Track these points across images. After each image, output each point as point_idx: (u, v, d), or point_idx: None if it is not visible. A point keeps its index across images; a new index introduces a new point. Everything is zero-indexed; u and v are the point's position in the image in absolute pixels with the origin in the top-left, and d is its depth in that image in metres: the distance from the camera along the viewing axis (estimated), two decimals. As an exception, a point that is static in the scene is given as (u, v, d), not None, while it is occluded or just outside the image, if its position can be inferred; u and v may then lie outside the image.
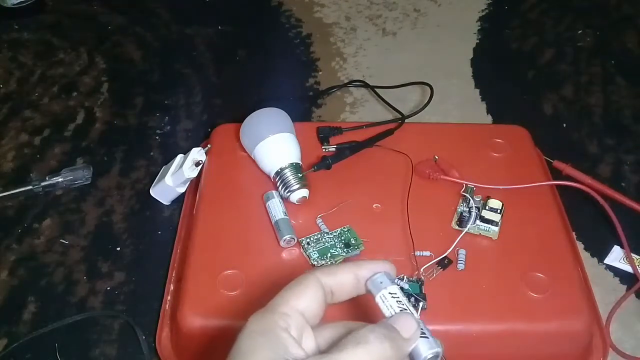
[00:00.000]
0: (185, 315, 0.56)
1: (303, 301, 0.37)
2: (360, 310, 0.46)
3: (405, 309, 0.38)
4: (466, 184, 0.65)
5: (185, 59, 0.95)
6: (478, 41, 0.98)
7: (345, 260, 0.59)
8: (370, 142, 0.71)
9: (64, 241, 0.69)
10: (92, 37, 0.99)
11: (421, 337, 0.38)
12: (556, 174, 0.73)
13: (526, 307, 0.56)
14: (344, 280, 0.39)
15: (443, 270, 0.59)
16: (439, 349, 0.37)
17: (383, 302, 0.39)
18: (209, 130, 0.77)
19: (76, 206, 0.73)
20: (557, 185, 0.70)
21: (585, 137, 0.82)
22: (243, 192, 0.67)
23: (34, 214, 0.72)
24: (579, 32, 1.00)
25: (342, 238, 0.61)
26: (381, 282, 0.39)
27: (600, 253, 0.68)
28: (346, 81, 0.90)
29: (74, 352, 0.60)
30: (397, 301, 0.39)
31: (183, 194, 0.72)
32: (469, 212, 0.62)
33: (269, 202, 0.64)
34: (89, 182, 0.76)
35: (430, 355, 0.37)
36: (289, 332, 0.36)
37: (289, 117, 0.69)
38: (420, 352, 0.37)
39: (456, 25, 1.02)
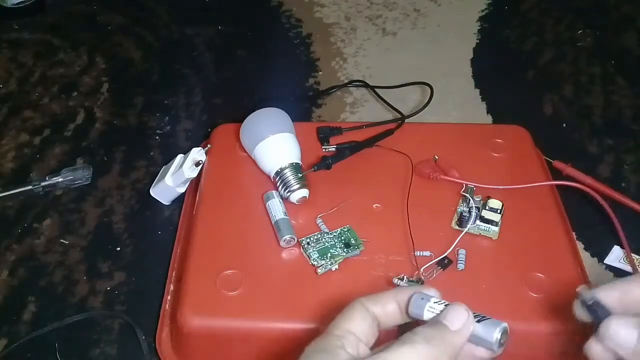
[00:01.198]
0: (185, 315, 0.56)
1: (353, 323, 0.39)
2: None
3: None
4: (466, 184, 0.65)
5: (185, 59, 0.95)
6: (478, 41, 0.98)
7: (346, 260, 0.59)
8: (370, 142, 0.71)
9: (64, 241, 0.69)
10: (92, 37, 0.99)
11: (481, 320, 0.37)
12: (556, 174, 0.73)
13: (526, 307, 0.56)
14: (388, 308, 0.41)
15: (443, 270, 0.59)
16: (504, 324, 0.37)
17: (433, 312, 0.39)
18: (209, 130, 0.77)
19: (76, 206, 0.73)
20: (557, 185, 0.70)
21: (585, 137, 0.82)
22: (243, 192, 0.67)
23: (34, 214, 0.72)
24: (579, 32, 1.00)
25: (342, 238, 0.61)
26: (422, 299, 0.39)
27: (600, 253, 0.68)
28: (346, 81, 0.90)
29: (74, 352, 0.60)
30: (445, 304, 0.39)
31: (183, 194, 0.72)
32: (469, 212, 0.62)
33: (269, 202, 0.64)
34: (89, 182, 0.76)
35: (500, 334, 0.36)
36: (344, 349, 0.38)
37: (289, 117, 0.69)
38: (488, 335, 0.37)
39: (456, 25, 1.02)
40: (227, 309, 0.56)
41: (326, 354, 0.38)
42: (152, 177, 0.75)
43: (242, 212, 0.65)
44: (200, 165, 0.69)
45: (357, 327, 0.39)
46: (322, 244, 0.60)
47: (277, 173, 0.65)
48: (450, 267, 0.59)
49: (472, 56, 0.95)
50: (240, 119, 0.70)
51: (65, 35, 0.99)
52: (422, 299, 0.39)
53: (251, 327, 0.56)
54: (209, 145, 0.71)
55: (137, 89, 0.90)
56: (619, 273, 0.66)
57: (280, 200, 0.64)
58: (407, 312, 0.40)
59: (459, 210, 0.64)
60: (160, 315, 0.62)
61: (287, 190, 0.64)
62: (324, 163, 0.67)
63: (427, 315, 0.39)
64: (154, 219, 0.72)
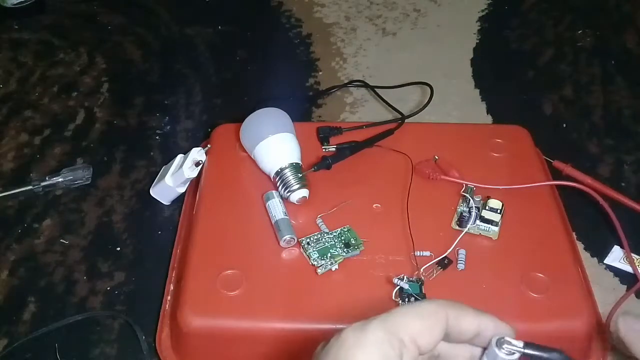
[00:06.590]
0: (185, 315, 0.56)
1: (425, 338, 0.34)
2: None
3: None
4: (466, 184, 0.65)
5: (185, 59, 0.95)
6: (478, 41, 0.98)
7: (346, 260, 0.59)
8: (370, 142, 0.71)
9: (64, 241, 0.69)
10: (92, 37, 0.99)
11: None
12: (556, 174, 0.73)
13: (526, 307, 0.56)
14: (466, 329, 0.36)
15: (443, 270, 0.59)
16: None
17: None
18: (209, 130, 0.77)
19: (76, 206, 0.73)
20: (557, 185, 0.70)
21: (585, 137, 0.82)
22: (243, 192, 0.67)
23: (34, 214, 0.72)
24: (579, 32, 1.00)
25: (342, 238, 0.61)
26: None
27: (600, 253, 0.68)
28: (346, 81, 0.90)
29: (74, 352, 0.60)
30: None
31: (183, 194, 0.72)
32: (469, 212, 0.62)
33: (269, 202, 0.64)
34: (89, 182, 0.76)
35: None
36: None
37: (289, 117, 0.69)
38: None
39: (456, 25, 1.02)
40: (227, 309, 0.56)
41: None
42: (152, 177, 0.75)
43: (242, 212, 0.65)
44: (200, 165, 0.69)
45: (427, 344, 0.34)
46: (322, 244, 0.60)
47: (277, 173, 0.65)
48: (450, 267, 0.59)
49: (472, 56, 0.95)
50: (240, 119, 0.70)
51: (65, 35, 0.99)
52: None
53: (251, 327, 0.56)
54: (209, 145, 0.71)
55: (137, 89, 0.90)
56: (619, 273, 0.66)
57: (280, 200, 0.64)
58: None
59: (459, 210, 0.64)
60: (160, 315, 0.62)
61: (287, 190, 0.64)
62: (324, 163, 0.67)
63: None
64: (154, 219, 0.72)
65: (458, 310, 0.36)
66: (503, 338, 0.36)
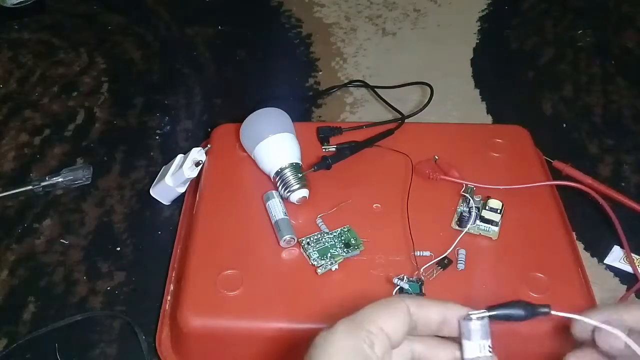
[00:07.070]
0: (185, 315, 0.56)
1: (391, 325, 0.37)
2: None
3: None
4: (466, 184, 0.65)
5: (185, 59, 0.95)
6: (478, 41, 0.98)
7: (346, 260, 0.59)
8: (370, 142, 0.71)
9: (64, 241, 0.69)
10: (92, 37, 0.99)
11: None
12: (556, 174, 0.73)
13: (526, 307, 0.56)
14: (431, 317, 0.39)
15: (443, 270, 0.59)
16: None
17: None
18: (209, 130, 0.77)
19: (76, 206, 0.73)
20: (557, 185, 0.70)
21: (585, 137, 0.82)
22: (243, 192, 0.67)
23: (34, 214, 0.72)
24: (579, 32, 1.00)
25: (342, 238, 0.61)
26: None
27: (600, 253, 0.68)
28: (346, 81, 0.90)
29: (74, 352, 0.60)
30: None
31: (183, 194, 0.72)
32: (469, 212, 0.62)
33: (269, 202, 0.64)
34: (89, 182, 0.76)
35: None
36: (374, 352, 0.36)
37: (289, 117, 0.69)
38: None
39: (456, 25, 1.02)
40: (227, 309, 0.56)
41: (354, 355, 0.35)
42: (152, 177, 0.75)
43: (242, 212, 0.65)
44: (200, 165, 0.69)
45: (394, 331, 0.37)
46: (322, 244, 0.60)
47: (277, 173, 0.65)
48: (450, 267, 0.59)
49: (472, 56, 0.96)
50: (240, 119, 0.70)
51: (65, 35, 0.99)
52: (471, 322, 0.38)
53: (251, 327, 0.56)
54: (209, 145, 0.71)
55: (137, 89, 0.90)
56: (619, 273, 0.66)
57: (280, 200, 0.64)
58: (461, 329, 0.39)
59: (459, 210, 0.64)
60: (160, 315, 0.62)
61: (287, 190, 0.64)
62: (324, 163, 0.67)
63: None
64: (154, 219, 0.72)
65: (418, 301, 0.39)
66: (467, 314, 0.38)
